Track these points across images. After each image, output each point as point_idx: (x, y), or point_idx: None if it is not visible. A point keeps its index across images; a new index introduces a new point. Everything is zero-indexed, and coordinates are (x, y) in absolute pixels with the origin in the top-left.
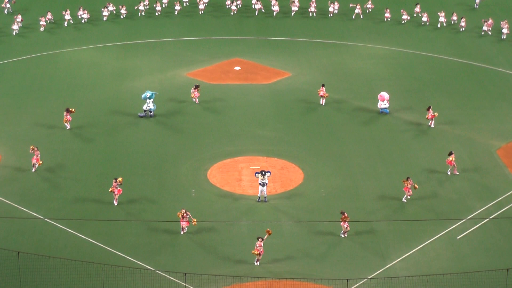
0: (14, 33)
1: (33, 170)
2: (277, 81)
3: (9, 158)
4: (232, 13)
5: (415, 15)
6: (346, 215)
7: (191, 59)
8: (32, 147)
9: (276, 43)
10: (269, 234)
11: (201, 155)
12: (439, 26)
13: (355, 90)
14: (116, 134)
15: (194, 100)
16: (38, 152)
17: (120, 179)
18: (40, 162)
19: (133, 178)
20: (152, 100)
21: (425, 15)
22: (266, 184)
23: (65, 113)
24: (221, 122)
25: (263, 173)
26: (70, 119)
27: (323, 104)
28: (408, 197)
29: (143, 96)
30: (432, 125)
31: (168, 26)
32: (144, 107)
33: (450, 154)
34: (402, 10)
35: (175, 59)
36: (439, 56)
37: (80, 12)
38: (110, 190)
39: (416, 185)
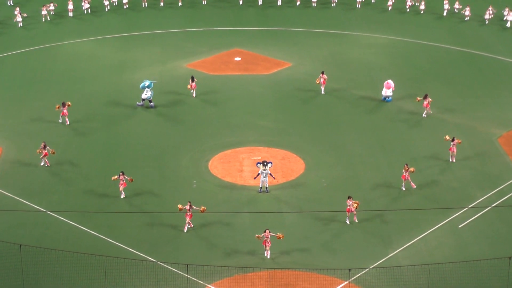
0: (19, 25)
1: (47, 165)
2: (278, 71)
3: (10, 151)
4: (240, 2)
5: (417, 3)
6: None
7: (191, 50)
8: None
9: (276, 33)
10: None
11: (202, 146)
12: (444, 14)
13: (355, 80)
14: (116, 126)
15: (191, 92)
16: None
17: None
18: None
19: (134, 170)
20: (150, 88)
21: (423, 3)
22: (267, 174)
23: (61, 107)
24: (221, 113)
25: (265, 163)
26: (67, 113)
27: (323, 92)
28: (407, 183)
29: (141, 85)
30: (424, 115)
31: (169, 17)
32: (143, 96)
33: (453, 140)
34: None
35: (175, 51)
36: (439, 45)
37: (83, 3)
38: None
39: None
